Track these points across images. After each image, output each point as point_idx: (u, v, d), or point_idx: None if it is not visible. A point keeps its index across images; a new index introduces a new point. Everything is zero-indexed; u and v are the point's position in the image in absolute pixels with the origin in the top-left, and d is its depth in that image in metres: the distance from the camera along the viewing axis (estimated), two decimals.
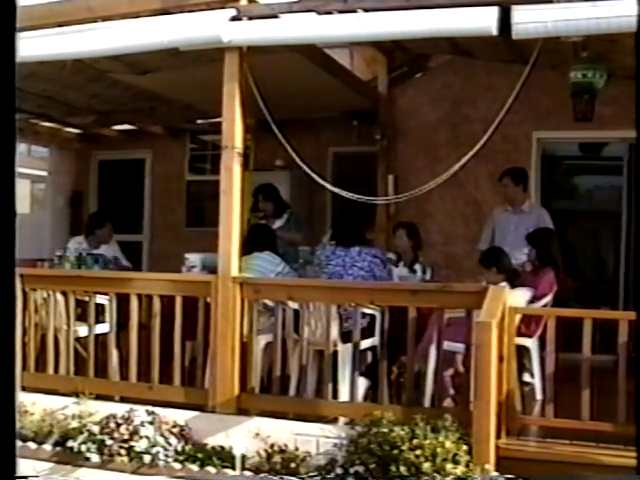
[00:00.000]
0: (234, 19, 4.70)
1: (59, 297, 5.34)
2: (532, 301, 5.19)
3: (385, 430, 4.06)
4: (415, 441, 3.93)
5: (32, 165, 11.18)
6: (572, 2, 4.07)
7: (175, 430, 4.64)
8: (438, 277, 6.09)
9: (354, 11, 4.48)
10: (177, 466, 4.48)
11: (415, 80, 7.87)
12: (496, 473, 3.92)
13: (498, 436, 4.09)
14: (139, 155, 9.44)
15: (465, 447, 3.94)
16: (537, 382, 5.19)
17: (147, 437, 4.52)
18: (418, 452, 3.88)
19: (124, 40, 4.88)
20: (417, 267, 6.05)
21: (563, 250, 5.76)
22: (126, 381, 5.09)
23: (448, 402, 4.74)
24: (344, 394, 4.72)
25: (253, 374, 4.87)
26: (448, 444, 3.90)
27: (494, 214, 6.61)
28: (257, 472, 4.39)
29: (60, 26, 5.00)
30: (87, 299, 5.29)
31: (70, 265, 6.43)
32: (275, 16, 4.67)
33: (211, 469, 4.44)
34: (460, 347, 4.65)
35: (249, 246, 5.28)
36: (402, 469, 3.87)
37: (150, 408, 4.71)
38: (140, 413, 4.66)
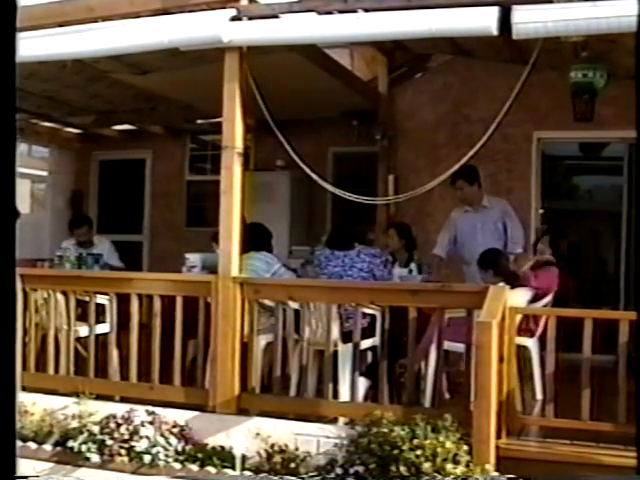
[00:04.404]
0: (234, 19, 4.70)
1: (59, 297, 5.34)
2: (534, 299, 5.18)
3: (385, 430, 4.05)
4: (415, 441, 3.92)
5: (32, 165, 11.16)
6: (572, 2, 4.07)
7: (175, 430, 4.64)
8: (438, 277, 6.08)
9: (354, 11, 4.47)
10: (177, 466, 4.48)
11: (415, 80, 7.88)
12: (496, 473, 3.91)
13: (498, 436, 4.09)
14: (139, 155, 9.44)
15: (465, 447, 3.94)
16: (537, 382, 5.19)
17: (147, 437, 4.52)
18: (418, 452, 3.88)
19: (124, 40, 4.88)
20: (412, 266, 6.05)
21: (568, 250, 5.75)
22: (126, 381, 5.09)
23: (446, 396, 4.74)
24: (344, 394, 4.72)
25: (253, 374, 4.87)
26: (448, 444, 3.89)
27: (453, 217, 6.46)
28: (257, 472, 4.39)
29: (60, 26, 5.00)
30: (87, 299, 5.29)
31: (70, 265, 6.44)
32: (275, 16, 4.67)
33: (211, 469, 4.44)
34: (460, 347, 4.65)
35: (247, 245, 5.27)
36: (402, 469, 3.87)
37: (150, 408, 4.71)
38: (140, 413, 4.66)
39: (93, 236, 7.34)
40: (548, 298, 5.28)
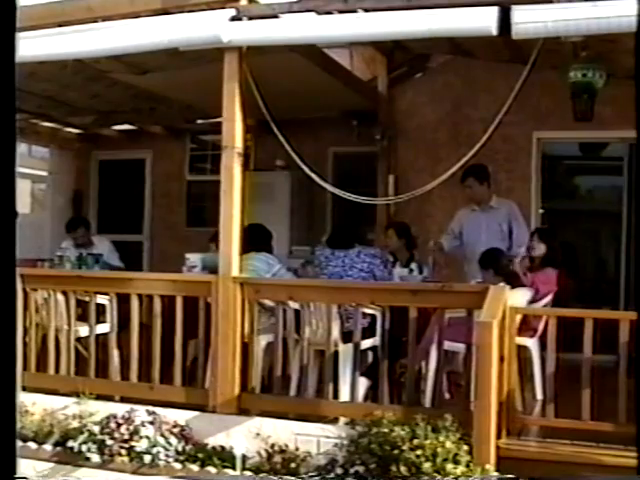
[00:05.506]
0: (234, 19, 4.70)
1: (60, 297, 5.34)
2: (533, 301, 5.18)
3: (385, 430, 4.05)
4: (416, 441, 3.92)
5: (32, 165, 11.18)
6: (572, 2, 4.07)
7: (175, 430, 4.64)
8: (438, 276, 6.08)
9: (354, 11, 4.48)
10: (177, 466, 4.48)
11: (415, 80, 7.87)
12: (496, 473, 3.91)
13: (499, 436, 4.09)
14: (139, 155, 9.44)
15: (466, 447, 3.94)
16: (538, 382, 5.18)
17: (147, 437, 4.52)
18: (419, 452, 3.88)
19: (124, 40, 4.88)
20: (413, 266, 6.05)
21: (564, 250, 5.74)
22: (127, 381, 5.09)
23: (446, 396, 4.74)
24: (345, 394, 4.72)
25: (254, 374, 4.87)
26: (449, 444, 3.90)
27: (460, 215, 6.44)
28: (257, 472, 4.39)
29: (60, 26, 5.00)
30: (88, 299, 5.29)
31: (71, 265, 6.44)
32: (275, 16, 4.67)
33: (211, 469, 4.44)
34: (461, 347, 4.65)
35: (247, 246, 5.27)
36: (402, 469, 3.87)
37: (151, 408, 4.72)
38: (141, 413, 4.66)
39: (91, 236, 7.35)
40: (548, 298, 5.27)
